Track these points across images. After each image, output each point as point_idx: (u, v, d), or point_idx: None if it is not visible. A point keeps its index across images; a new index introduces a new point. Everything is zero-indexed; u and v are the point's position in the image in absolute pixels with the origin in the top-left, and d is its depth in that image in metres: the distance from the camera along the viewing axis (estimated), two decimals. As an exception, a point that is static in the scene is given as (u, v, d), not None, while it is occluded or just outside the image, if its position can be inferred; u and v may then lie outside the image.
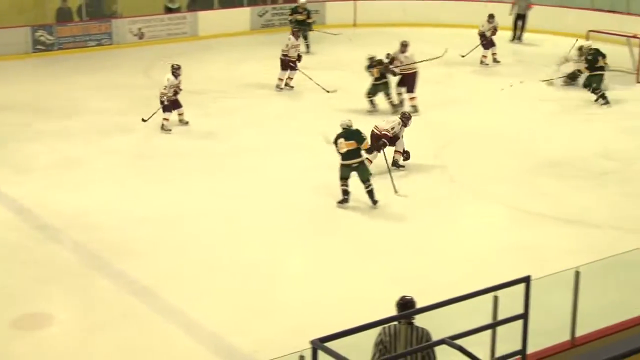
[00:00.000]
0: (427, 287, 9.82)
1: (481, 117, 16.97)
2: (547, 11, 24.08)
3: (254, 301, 9.92)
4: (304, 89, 18.93)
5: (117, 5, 24.03)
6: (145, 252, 11.15)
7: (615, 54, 19.97)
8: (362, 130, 12.59)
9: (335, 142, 12.47)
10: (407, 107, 16.55)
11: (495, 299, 6.80)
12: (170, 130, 15.89)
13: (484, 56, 21.21)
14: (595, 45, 19.27)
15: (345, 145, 12.36)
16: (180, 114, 16.24)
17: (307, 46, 22.39)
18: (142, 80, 19.99)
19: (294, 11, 22.94)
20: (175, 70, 15.90)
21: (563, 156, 14.64)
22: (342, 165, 12.49)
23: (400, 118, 14.02)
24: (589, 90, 17.67)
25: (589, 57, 18.04)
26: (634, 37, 19.86)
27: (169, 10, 24.30)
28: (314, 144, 13.96)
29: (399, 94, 17.34)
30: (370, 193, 12.48)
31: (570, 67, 19.14)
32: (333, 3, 25.96)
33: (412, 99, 17.17)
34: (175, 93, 15.94)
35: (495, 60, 21.29)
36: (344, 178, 12.49)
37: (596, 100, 17.53)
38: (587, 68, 17.96)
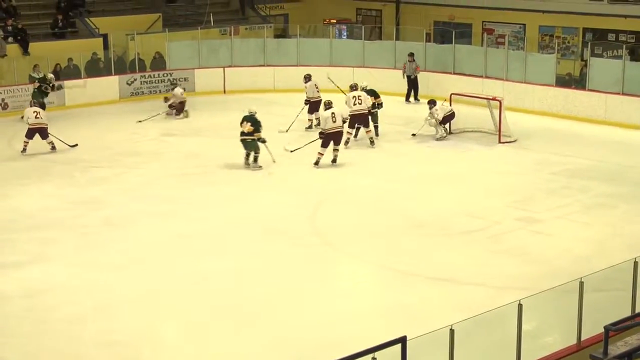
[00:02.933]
0: (305, 350, 9.85)
1: (349, 179, 17.25)
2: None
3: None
4: (174, 154, 18.86)
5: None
6: (8, 331, 10.75)
7: (477, 116, 20.80)
8: None
9: None
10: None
11: (374, 361, 6.86)
12: None
13: None
14: (459, 107, 20.15)
15: None
16: None
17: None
18: (6, 151, 19.43)
19: (44, 81, 22.47)
20: None
21: (429, 215, 14.97)
22: None
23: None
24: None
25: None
26: (494, 99, 20.66)
27: (33, 80, 23.77)
28: (185, 212, 13.71)
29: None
30: None
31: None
32: (202, 70, 26.01)
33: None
34: None
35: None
36: None
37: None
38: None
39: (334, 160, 17.90)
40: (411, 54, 24.58)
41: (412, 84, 24.48)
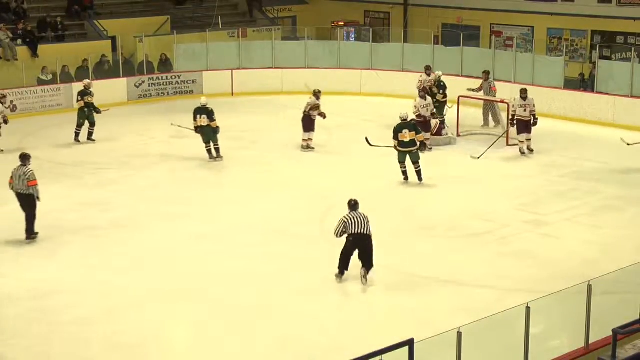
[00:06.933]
0: (313, 353, 9.85)
1: (358, 181, 17.23)
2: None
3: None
4: (177, 157, 18.90)
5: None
6: (17, 333, 10.79)
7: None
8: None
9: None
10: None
11: (382, 364, 6.87)
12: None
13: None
14: (467, 110, 20.10)
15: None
16: None
17: (91, 133, 20.31)
18: (15, 153, 19.42)
19: (84, 93, 20.27)
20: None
21: (437, 217, 14.97)
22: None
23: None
24: None
25: None
26: (502, 102, 20.65)
27: (42, 82, 23.87)
28: (193, 214, 13.72)
29: None
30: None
31: None
32: (210, 72, 26.04)
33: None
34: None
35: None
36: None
37: None
38: None
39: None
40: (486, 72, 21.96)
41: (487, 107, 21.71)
